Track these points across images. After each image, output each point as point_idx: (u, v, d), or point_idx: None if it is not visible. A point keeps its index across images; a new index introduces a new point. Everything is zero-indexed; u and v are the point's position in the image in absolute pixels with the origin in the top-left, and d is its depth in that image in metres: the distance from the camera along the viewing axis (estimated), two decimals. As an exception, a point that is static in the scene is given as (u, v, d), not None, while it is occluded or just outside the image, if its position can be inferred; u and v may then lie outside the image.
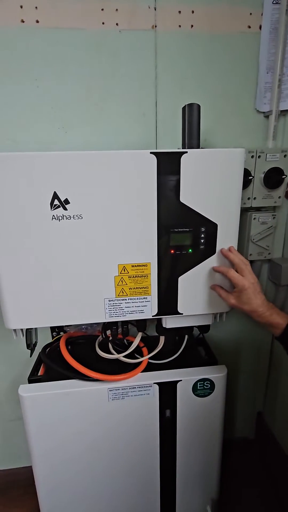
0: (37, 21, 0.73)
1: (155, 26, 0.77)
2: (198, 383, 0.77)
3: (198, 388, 0.77)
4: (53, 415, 0.74)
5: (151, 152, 0.60)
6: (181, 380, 0.76)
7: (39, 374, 0.82)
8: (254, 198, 0.86)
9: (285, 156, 0.83)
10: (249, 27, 0.80)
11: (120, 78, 0.79)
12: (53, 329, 0.91)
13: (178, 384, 0.76)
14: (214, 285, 0.68)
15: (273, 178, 0.83)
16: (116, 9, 0.75)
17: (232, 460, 1.11)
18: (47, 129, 0.80)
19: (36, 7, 0.72)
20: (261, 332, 1.07)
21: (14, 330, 0.69)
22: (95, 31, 0.75)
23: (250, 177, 0.82)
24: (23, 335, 0.73)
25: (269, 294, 1.01)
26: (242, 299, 0.62)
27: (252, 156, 0.82)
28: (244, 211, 0.88)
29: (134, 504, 0.86)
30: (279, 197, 0.87)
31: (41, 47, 0.75)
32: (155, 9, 0.76)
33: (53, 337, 0.91)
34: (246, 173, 0.80)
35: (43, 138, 0.80)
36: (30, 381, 0.78)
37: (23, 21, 0.73)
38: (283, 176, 0.83)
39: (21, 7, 0.72)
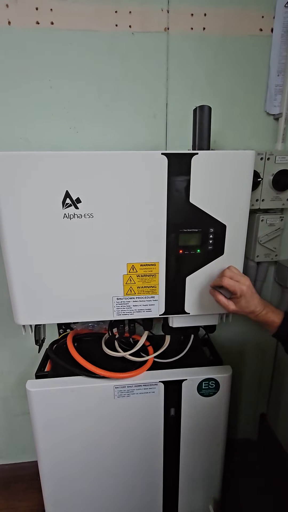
0: (52, 23, 0.74)
1: (168, 29, 0.78)
2: (203, 383, 0.78)
3: (203, 387, 0.78)
4: (60, 411, 0.75)
5: (162, 153, 0.60)
6: (186, 379, 0.77)
7: (45, 370, 0.83)
8: (263, 200, 0.86)
9: (294, 158, 0.83)
10: (261, 30, 0.81)
11: (131, 79, 0.80)
12: (60, 326, 0.92)
13: (183, 383, 0.77)
14: (214, 290, 0.66)
15: (281, 180, 0.84)
16: (130, 12, 0.76)
17: (235, 460, 1.11)
18: (59, 129, 0.81)
19: (51, 9, 0.73)
20: (266, 334, 1.06)
21: (23, 326, 0.71)
22: (108, 33, 0.76)
23: (259, 179, 0.83)
24: (31, 331, 0.74)
25: (275, 296, 1.02)
26: (241, 304, 0.62)
27: (261, 158, 0.82)
28: (252, 213, 0.88)
29: (136, 502, 0.87)
30: (287, 199, 0.87)
31: (55, 48, 0.76)
32: (168, 12, 0.77)
33: (60, 334, 0.92)
34: (255, 175, 0.81)
35: (54, 137, 0.81)
36: (37, 376, 0.80)
37: (38, 23, 0.74)
38: (291, 179, 0.83)
39: (37, 9, 0.73)
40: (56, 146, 0.82)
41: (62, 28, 0.75)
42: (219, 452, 0.85)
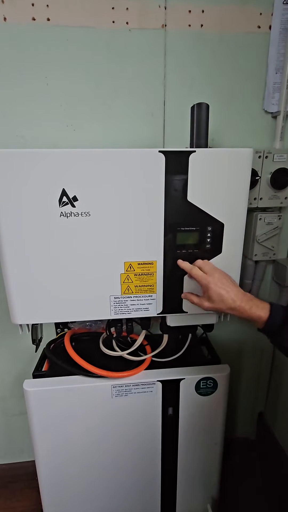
0: (48, 19, 0.74)
1: (165, 25, 0.77)
2: (201, 382, 0.77)
3: (201, 386, 0.78)
4: (57, 410, 0.75)
5: (159, 151, 0.60)
6: (184, 378, 0.77)
7: (43, 369, 0.83)
8: (261, 199, 0.86)
9: (292, 157, 0.83)
10: (259, 27, 0.80)
11: (129, 77, 0.79)
12: (57, 325, 0.92)
13: (181, 382, 0.77)
14: (185, 293, 0.65)
15: (280, 179, 0.83)
16: (127, 8, 0.75)
17: (233, 459, 1.11)
18: (55, 127, 0.80)
19: (47, 5, 0.73)
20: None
21: (20, 325, 0.70)
22: (105, 30, 0.76)
23: (257, 178, 0.82)
24: (28, 331, 0.74)
25: (273, 295, 1.01)
26: (213, 298, 0.57)
27: (260, 157, 0.82)
28: (250, 211, 0.88)
29: (134, 501, 0.87)
30: (286, 197, 0.87)
31: (52, 45, 0.75)
32: (165, 8, 0.76)
33: (57, 333, 0.92)
34: (253, 173, 0.80)
35: (51, 135, 0.81)
36: (35, 376, 0.79)
37: (34, 19, 0.73)
38: (290, 177, 0.83)
39: (33, 5, 0.72)
40: (53, 144, 0.81)
41: (59, 25, 0.74)
42: (217, 451, 0.85)
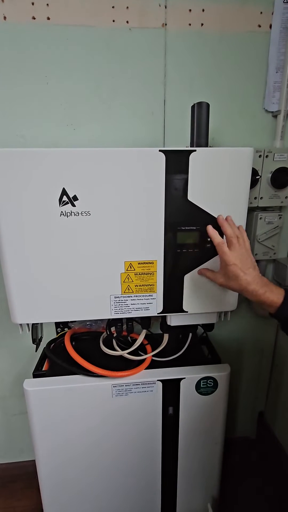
0: (48, 18, 0.73)
1: (165, 25, 0.77)
2: (202, 381, 0.77)
3: (201, 386, 0.78)
4: (57, 410, 0.75)
5: (160, 150, 0.60)
6: (184, 378, 0.77)
7: (43, 369, 0.83)
8: (261, 198, 0.85)
9: (292, 156, 0.83)
10: (259, 26, 0.80)
11: (129, 76, 0.79)
12: (57, 325, 0.92)
13: (182, 382, 0.77)
14: (201, 270, 0.65)
15: (280, 178, 0.83)
16: (127, 7, 0.75)
17: (233, 459, 1.11)
18: (56, 126, 0.80)
19: (47, 4, 0.73)
20: (264, 333, 1.07)
21: (20, 325, 0.70)
22: (105, 29, 0.76)
23: (257, 177, 0.82)
24: (29, 330, 0.74)
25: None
26: (229, 276, 0.58)
27: (260, 156, 0.82)
28: (251, 211, 0.88)
29: (135, 501, 0.87)
30: (286, 197, 0.87)
31: (52, 44, 0.75)
32: (165, 7, 0.76)
33: (57, 333, 0.92)
34: (254, 172, 0.80)
35: (51, 135, 0.81)
36: (35, 375, 0.79)
37: (34, 18, 0.73)
38: (290, 176, 0.83)
39: (33, 4, 0.72)
40: (53, 143, 0.81)
41: (59, 24, 0.74)
42: (218, 451, 0.85)
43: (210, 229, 0.62)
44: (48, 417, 0.75)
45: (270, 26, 0.80)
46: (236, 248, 0.59)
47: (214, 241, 0.60)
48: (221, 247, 0.59)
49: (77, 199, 0.61)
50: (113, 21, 0.75)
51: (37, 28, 0.74)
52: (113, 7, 0.75)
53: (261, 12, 0.79)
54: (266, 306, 0.57)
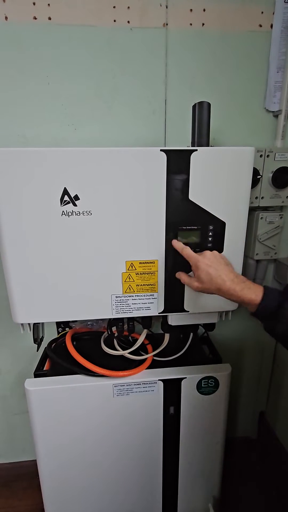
0: (49, 18, 0.74)
1: (166, 24, 0.77)
2: (203, 381, 0.77)
3: (203, 385, 0.78)
4: (59, 409, 0.75)
5: (161, 150, 0.60)
6: (185, 378, 0.77)
7: (44, 369, 0.83)
8: (262, 198, 0.85)
9: (293, 156, 0.83)
10: (260, 26, 0.80)
11: (130, 75, 0.79)
12: (58, 324, 0.92)
13: (183, 382, 0.77)
14: (179, 273, 0.64)
15: (281, 178, 0.83)
16: (128, 7, 0.75)
17: (234, 459, 1.11)
18: (57, 126, 0.80)
19: (48, 4, 0.73)
20: (265, 332, 1.06)
21: (22, 324, 0.70)
22: (106, 29, 0.76)
23: (258, 176, 0.82)
24: (30, 330, 0.74)
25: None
26: (202, 279, 0.55)
27: (261, 155, 0.82)
28: (252, 211, 0.87)
29: (136, 500, 0.87)
30: (287, 197, 0.87)
31: (53, 44, 0.75)
32: (166, 7, 0.76)
33: (58, 332, 0.92)
34: (254, 172, 0.80)
35: (53, 134, 0.81)
36: (36, 375, 0.79)
37: (35, 18, 0.73)
38: (291, 176, 0.83)
39: (34, 4, 0.72)
40: (54, 143, 0.81)
41: (60, 23, 0.74)
42: (219, 451, 0.85)
43: (174, 241, 0.63)
44: (49, 416, 0.75)
45: (271, 26, 0.80)
46: (206, 252, 0.59)
47: (178, 247, 0.61)
48: (187, 251, 0.59)
49: (79, 199, 0.61)
50: (114, 21, 0.76)
51: (38, 28, 0.74)
52: (114, 7, 0.75)
53: (262, 12, 0.79)
54: (245, 305, 0.54)
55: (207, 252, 0.58)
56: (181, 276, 0.63)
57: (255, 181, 0.82)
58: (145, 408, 0.78)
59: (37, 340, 0.81)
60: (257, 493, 1.04)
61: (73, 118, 0.80)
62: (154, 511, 0.88)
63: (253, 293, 0.53)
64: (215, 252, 0.59)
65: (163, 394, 0.77)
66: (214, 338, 0.96)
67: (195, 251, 0.65)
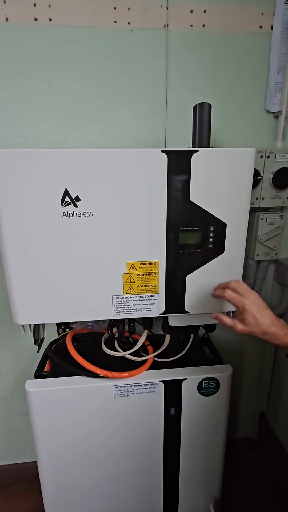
0: (50, 19, 0.74)
1: (167, 25, 0.77)
2: (203, 382, 0.77)
3: (203, 386, 0.78)
4: (59, 411, 0.75)
5: (162, 151, 0.60)
6: (186, 379, 0.77)
7: (45, 370, 0.83)
8: (263, 198, 0.86)
9: (294, 156, 0.83)
10: (261, 27, 0.80)
11: (131, 76, 0.79)
12: (59, 326, 0.92)
13: (183, 383, 0.77)
14: (216, 314, 0.61)
15: (281, 179, 0.83)
16: (129, 8, 0.75)
17: (235, 460, 1.11)
18: (57, 127, 0.80)
19: (49, 5, 0.73)
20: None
21: (22, 325, 0.70)
22: (107, 30, 0.76)
23: (259, 177, 0.82)
24: (30, 331, 0.74)
25: (274, 295, 1.01)
26: (248, 322, 0.55)
27: (261, 156, 0.82)
28: (252, 211, 0.88)
29: (137, 501, 0.86)
30: (287, 197, 0.87)
31: (54, 45, 0.75)
32: (167, 8, 0.76)
33: (59, 334, 0.92)
34: (255, 173, 0.80)
35: (53, 135, 0.81)
36: (37, 376, 0.79)
37: (36, 19, 0.73)
38: (291, 177, 0.83)
39: (35, 5, 0.72)
40: (54, 144, 0.81)
41: (61, 25, 0.74)
42: (220, 452, 0.85)
43: (212, 293, 0.65)
44: (50, 418, 0.75)
45: (272, 27, 0.80)
46: (245, 290, 0.58)
47: (220, 295, 0.60)
48: (230, 294, 0.58)
49: (79, 200, 0.60)
50: (115, 22, 0.76)
51: (39, 29, 0.74)
52: (114, 8, 0.75)
53: (262, 13, 0.79)
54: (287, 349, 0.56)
55: (252, 295, 0.57)
56: (222, 318, 0.60)
57: (256, 182, 0.82)
58: (146, 409, 0.77)
59: (38, 341, 0.81)
60: (258, 493, 1.04)
61: (73, 119, 0.81)
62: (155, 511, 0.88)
63: None
64: (256, 293, 0.58)
65: (164, 395, 0.77)
66: (214, 339, 0.96)
67: (196, 252, 0.66)
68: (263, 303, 0.57)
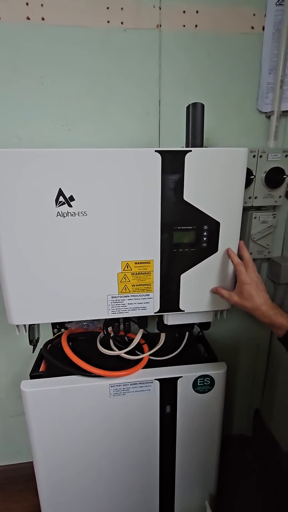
0: (43, 19, 0.73)
1: (160, 26, 0.77)
2: (198, 380, 0.78)
3: (198, 384, 0.78)
4: (55, 411, 0.75)
5: (156, 151, 0.60)
6: (181, 377, 0.77)
7: (40, 370, 0.82)
8: (255, 197, 0.87)
9: (286, 156, 0.84)
10: (252, 28, 0.81)
11: (124, 76, 0.79)
12: (54, 325, 0.92)
13: (179, 381, 0.77)
14: (215, 288, 0.69)
15: (274, 178, 0.84)
16: (121, 8, 0.75)
17: (230, 456, 1.12)
18: (51, 127, 0.80)
19: (42, 5, 0.72)
20: (259, 330, 1.08)
21: (17, 326, 0.70)
22: (100, 30, 0.76)
23: (251, 177, 0.83)
24: (25, 331, 0.73)
25: (268, 293, 1.02)
26: (244, 295, 0.63)
27: (254, 156, 0.83)
28: (245, 210, 0.88)
29: (133, 499, 0.87)
30: (280, 196, 0.88)
31: (47, 45, 0.75)
32: (160, 9, 0.77)
33: (54, 334, 0.92)
34: (248, 172, 0.81)
35: (47, 135, 0.80)
36: (32, 377, 0.79)
37: (28, 18, 0.73)
38: (284, 176, 0.84)
39: (27, 4, 0.72)
40: (48, 144, 0.81)
41: (53, 24, 0.74)
42: (215, 448, 0.86)
43: (230, 250, 0.67)
44: (45, 418, 0.75)
45: (263, 28, 0.81)
46: (251, 270, 0.64)
47: (234, 261, 0.66)
48: (239, 267, 0.64)
49: (74, 200, 0.61)
50: (108, 22, 0.76)
51: (31, 28, 0.74)
52: (107, 8, 0.75)
53: (254, 14, 0.80)
54: (275, 328, 0.61)
55: (255, 276, 0.64)
56: (220, 290, 0.68)
57: (249, 181, 0.83)
58: (141, 407, 0.78)
59: (33, 342, 0.81)
60: (253, 489, 1.05)
61: (67, 119, 0.80)
62: (151, 509, 0.88)
63: (284, 319, 0.59)
64: (259, 276, 0.65)
65: (160, 393, 0.77)
66: (209, 337, 0.97)
67: (191, 251, 0.66)
68: (262, 285, 0.64)
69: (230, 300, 0.66)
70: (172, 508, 0.89)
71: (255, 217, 0.88)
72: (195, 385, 0.78)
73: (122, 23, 0.76)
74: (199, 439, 0.84)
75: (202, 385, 0.79)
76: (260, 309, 0.61)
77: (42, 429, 0.76)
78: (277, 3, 0.79)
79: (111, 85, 0.80)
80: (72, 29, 0.75)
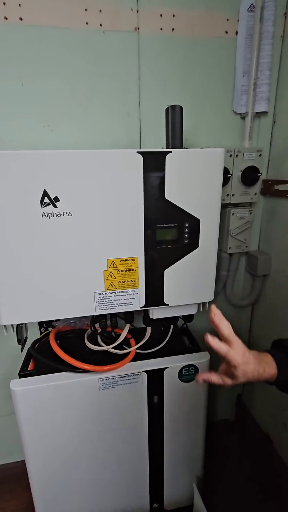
0: (21, 19, 0.73)
1: (138, 28, 0.79)
2: (183, 369, 0.82)
3: (184, 374, 0.82)
4: (46, 407, 0.76)
5: (137, 152, 0.62)
6: (167, 367, 0.81)
7: (28, 369, 0.83)
8: (233, 195, 0.91)
9: (260, 155, 0.89)
10: (226, 32, 0.84)
11: (104, 77, 0.81)
12: (41, 324, 0.92)
13: (165, 371, 0.81)
14: (202, 377, 0.58)
15: (249, 176, 0.89)
16: (100, 10, 0.76)
17: (215, 440, 1.18)
18: (32, 127, 0.80)
19: (19, 5, 0.72)
20: (239, 320, 1.14)
21: (5, 326, 0.71)
22: (79, 31, 0.77)
23: (228, 175, 0.88)
24: (13, 331, 0.74)
25: (246, 284, 1.08)
26: (238, 377, 0.54)
27: (230, 155, 0.87)
28: (224, 207, 0.93)
29: (125, 486, 0.90)
30: (255, 193, 0.93)
31: (25, 45, 0.75)
32: (137, 12, 0.78)
33: (41, 332, 0.92)
34: (225, 171, 0.85)
35: (28, 136, 0.80)
36: (21, 376, 0.80)
37: (6, 18, 0.73)
38: (258, 174, 0.89)
39: (4, 4, 0.72)
40: (31, 145, 0.81)
41: (32, 24, 0.74)
42: (201, 433, 0.91)
43: (212, 342, 0.53)
44: (36, 415, 0.76)
45: (236, 33, 0.85)
46: (235, 344, 0.54)
47: (221, 352, 0.53)
48: (230, 355, 0.53)
49: (59, 200, 0.62)
50: (87, 23, 0.77)
51: (9, 28, 0.73)
52: (86, 9, 0.76)
53: (227, 19, 0.83)
54: (267, 380, 0.56)
55: (237, 343, 0.54)
56: (214, 380, 0.57)
57: (226, 179, 0.87)
58: (130, 399, 0.81)
59: (21, 341, 0.81)
60: (237, 471, 1.12)
61: (48, 119, 0.81)
62: (142, 494, 0.92)
63: (270, 366, 0.55)
64: (242, 344, 0.55)
65: (147, 384, 0.81)
66: (193, 328, 1.01)
67: (173, 248, 0.69)
68: (243, 346, 0.55)
69: (225, 385, 0.57)
70: (161, 492, 0.94)
71: (233, 214, 0.92)
72: (180, 374, 0.82)
73: (100, 25, 0.77)
74: (186, 426, 0.88)
75: (187, 374, 0.83)
76: (253, 378, 0.55)
77: (32, 427, 0.77)
78: (249, 9, 0.83)
79: (92, 86, 0.81)
80: (51, 29, 0.75)
